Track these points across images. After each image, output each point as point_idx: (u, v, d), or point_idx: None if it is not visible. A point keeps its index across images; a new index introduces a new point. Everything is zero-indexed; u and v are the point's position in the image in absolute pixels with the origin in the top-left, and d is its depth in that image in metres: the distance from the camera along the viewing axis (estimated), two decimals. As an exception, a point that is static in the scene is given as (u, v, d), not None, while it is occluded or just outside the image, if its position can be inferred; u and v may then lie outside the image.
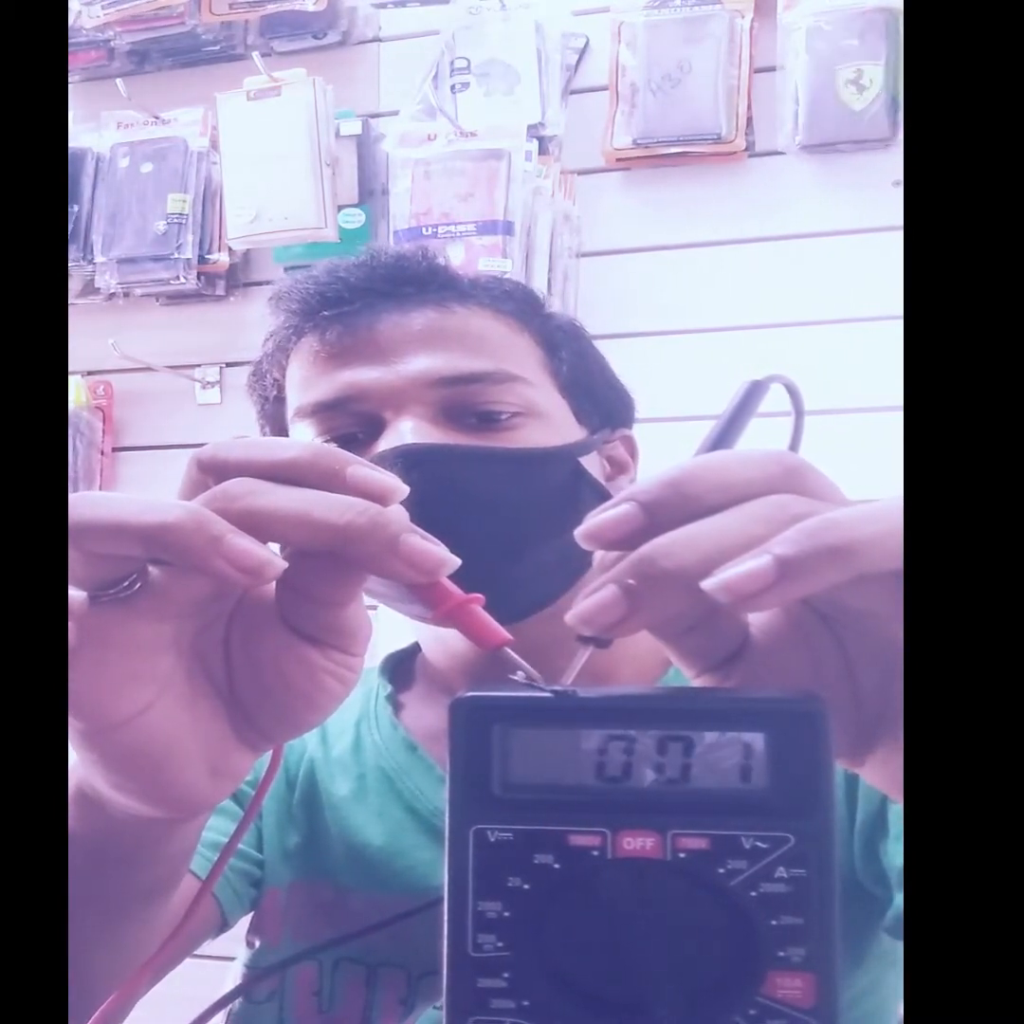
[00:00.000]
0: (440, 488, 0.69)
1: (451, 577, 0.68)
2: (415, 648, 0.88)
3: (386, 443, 0.72)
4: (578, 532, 0.39)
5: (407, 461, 0.69)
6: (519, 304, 0.80)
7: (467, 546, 0.70)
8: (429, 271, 0.79)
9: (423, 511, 0.68)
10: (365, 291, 0.77)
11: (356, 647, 0.45)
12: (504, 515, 0.72)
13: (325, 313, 0.76)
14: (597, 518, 0.39)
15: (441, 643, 0.81)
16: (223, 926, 0.82)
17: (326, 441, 0.74)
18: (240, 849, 0.80)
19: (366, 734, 0.84)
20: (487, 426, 0.74)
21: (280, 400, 0.81)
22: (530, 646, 0.75)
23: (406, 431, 0.71)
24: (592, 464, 0.78)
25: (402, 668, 0.89)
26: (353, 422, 0.74)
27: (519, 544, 0.73)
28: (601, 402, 0.82)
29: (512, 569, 0.73)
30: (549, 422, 0.76)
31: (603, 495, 0.76)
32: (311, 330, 0.77)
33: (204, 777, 0.43)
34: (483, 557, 0.70)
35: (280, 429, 0.81)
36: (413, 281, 0.78)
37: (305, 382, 0.76)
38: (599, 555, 0.40)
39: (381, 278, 0.78)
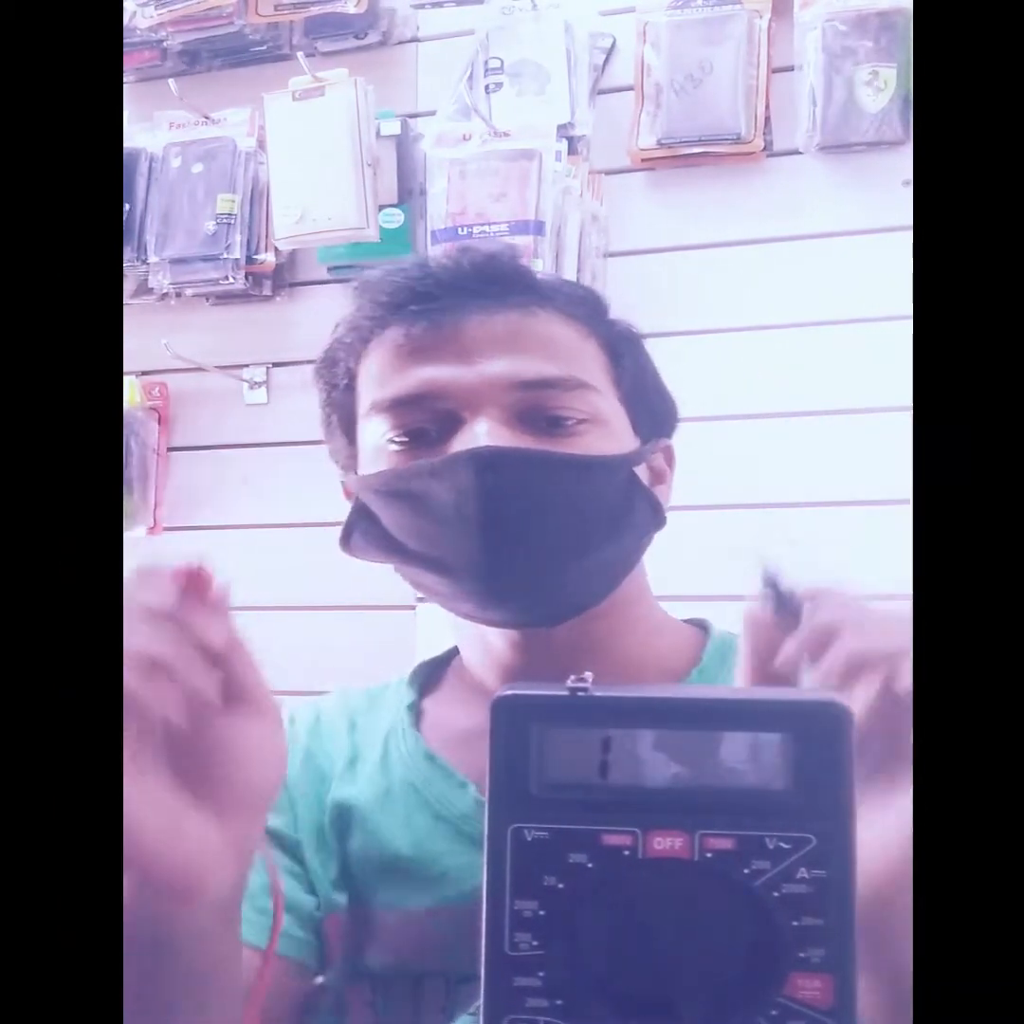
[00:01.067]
0: (510, 490, 0.70)
1: (517, 569, 0.71)
2: (449, 654, 0.87)
3: (460, 442, 0.71)
4: None
5: (481, 462, 0.69)
6: (588, 309, 0.79)
7: (530, 546, 0.71)
8: (515, 272, 0.78)
9: (493, 510, 0.69)
10: (454, 288, 0.75)
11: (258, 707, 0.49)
12: (566, 519, 0.72)
13: (413, 307, 0.75)
14: None
15: (481, 640, 0.80)
16: (309, 972, 0.79)
17: (398, 436, 0.74)
18: (291, 900, 0.78)
19: (393, 747, 0.82)
20: (555, 430, 0.73)
21: (350, 388, 0.79)
22: (572, 645, 0.75)
23: (482, 433, 0.70)
24: (640, 472, 0.77)
25: (433, 674, 0.87)
26: (429, 418, 0.73)
27: (577, 547, 0.73)
28: (653, 411, 0.81)
29: (568, 570, 0.73)
30: (611, 430, 0.75)
31: (653, 505, 0.76)
32: (397, 323, 0.75)
33: (186, 859, 0.45)
34: (544, 557, 0.72)
35: (347, 417, 0.80)
36: (500, 280, 0.76)
37: (382, 376, 0.75)
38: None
39: (469, 277, 0.76)
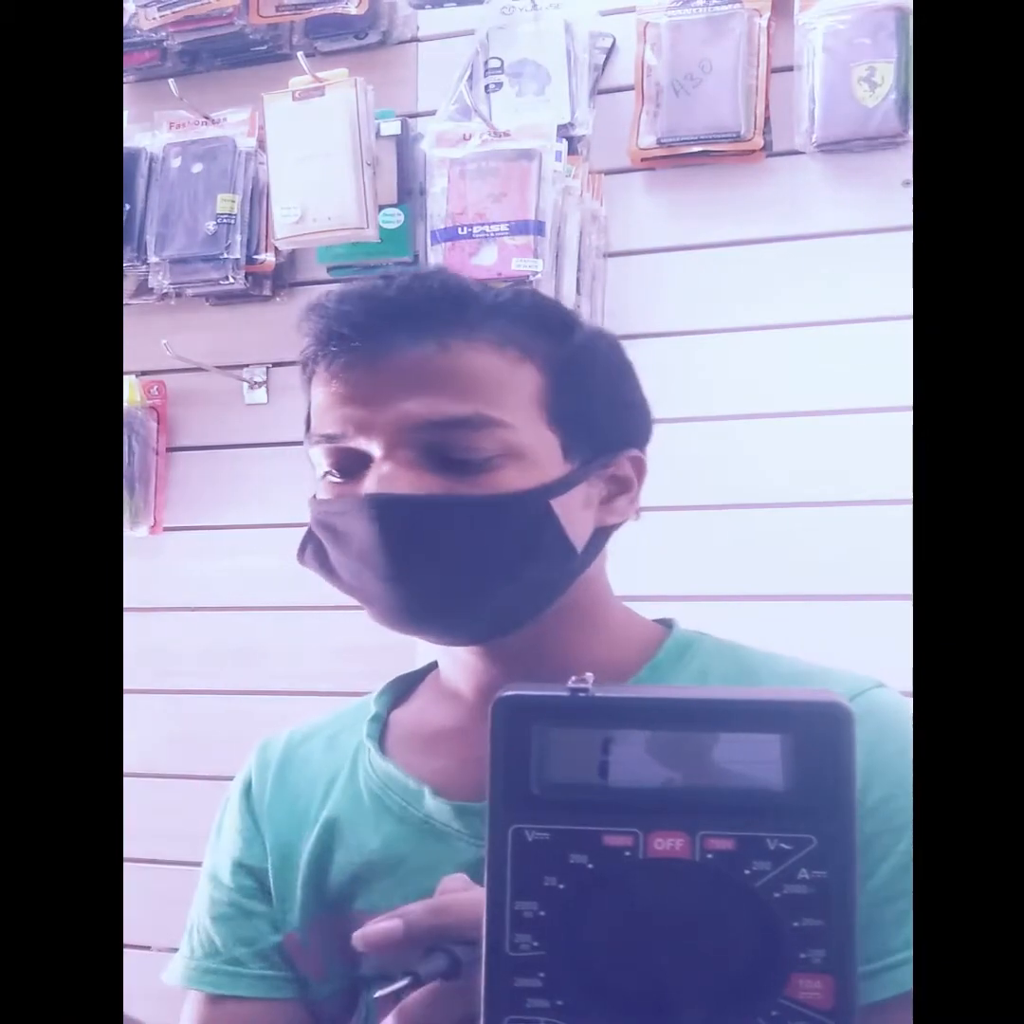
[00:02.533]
0: (402, 533, 0.72)
1: (413, 604, 0.75)
2: (427, 668, 0.90)
3: (368, 482, 0.74)
4: (355, 935, 0.50)
5: (372, 509, 0.72)
6: (534, 327, 0.78)
7: (428, 587, 0.74)
8: (442, 299, 0.77)
9: (388, 551, 0.72)
10: (367, 328, 0.76)
11: None
12: (465, 559, 0.74)
13: (333, 347, 0.76)
14: (370, 927, 0.49)
15: (449, 653, 0.83)
16: (293, 1003, 0.83)
17: (330, 469, 0.77)
18: (264, 946, 0.83)
19: (359, 759, 0.85)
20: (464, 469, 0.74)
21: (310, 415, 0.82)
22: (534, 649, 0.78)
23: (382, 475, 0.73)
24: (579, 492, 0.77)
25: (409, 687, 0.90)
26: (349, 456, 0.76)
27: (478, 585, 0.75)
28: (603, 428, 0.80)
29: (473, 602, 0.75)
30: (530, 462, 0.75)
31: (561, 540, 0.76)
32: (323, 359, 0.77)
33: None
34: (442, 596, 0.75)
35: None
36: (420, 309, 0.76)
37: (319, 410, 0.78)
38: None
39: (385, 313, 0.76)
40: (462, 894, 0.51)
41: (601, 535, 0.80)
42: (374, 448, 0.74)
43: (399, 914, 0.49)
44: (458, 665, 0.83)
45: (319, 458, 0.78)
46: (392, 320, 0.76)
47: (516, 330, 0.77)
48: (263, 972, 0.82)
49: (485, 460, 0.74)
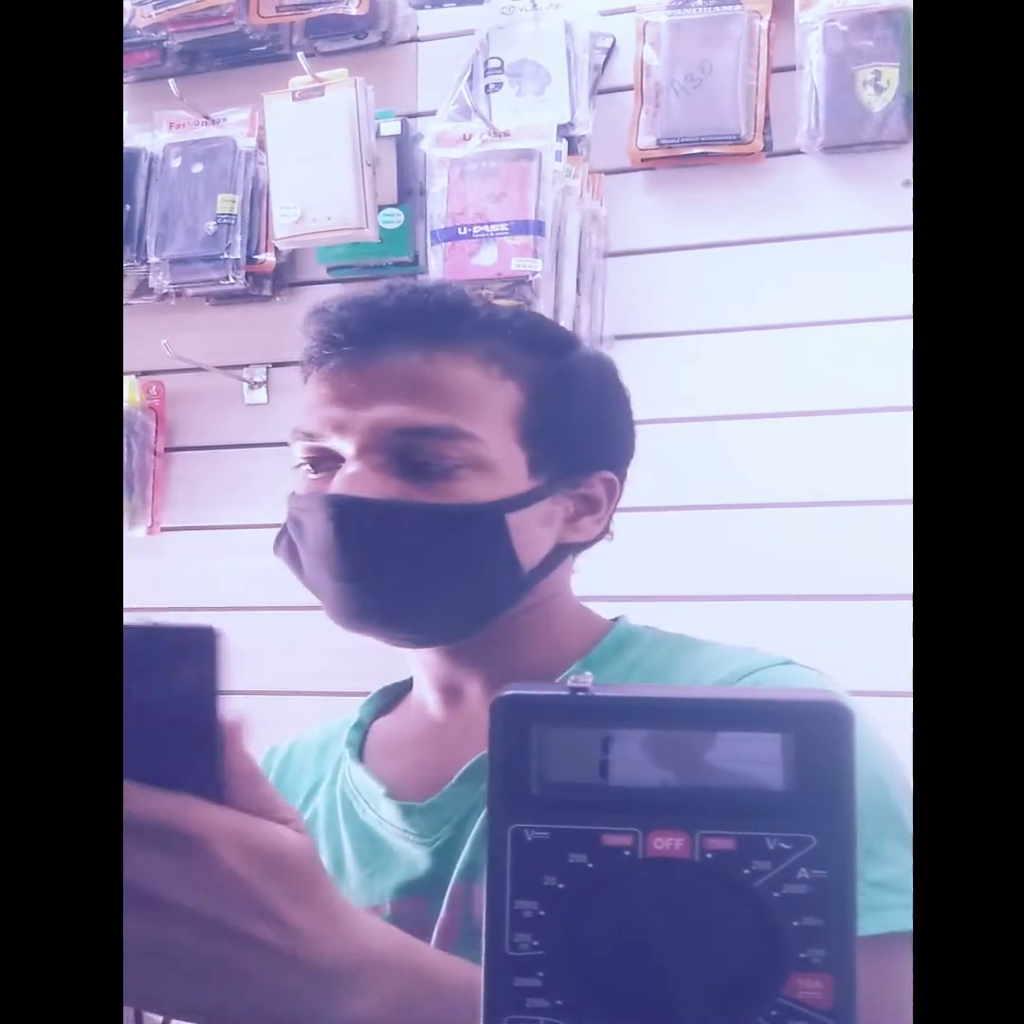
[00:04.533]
0: (359, 536, 0.76)
1: (361, 604, 0.78)
2: (411, 681, 0.92)
3: (334, 482, 0.77)
4: None
5: (332, 508, 0.76)
6: (524, 346, 0.81)
7: (376, 589, 0.77)
8: (436, 313, 0.80)
9: (341, 551, 0.75)
10: (361, 334, 0.79)
11: None
12: (415, 564, 0.76)
13: (326, 352, 0.80)
14: None
15: (419, 660, 0.86)
16: None
17: (305, 464, 0.80)
18: None
19: (340, 766, 0.88)
20: (428, 475, 0.77)
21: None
22: (490, 649, 0.81)
23: (347, 476, 0.76)
24: (540, 508, 0.80)
25: (392, 695, 0.93)
26: (324, 454, 0.79)
27: (424, 591, 0.78)
28: (576, 448, 0.83)
29: (417, 610, 0.79)
30: (493, 475, 0.78)
31: (509, 554, 0.78)
32: (320, 361, 0.81)
33: None
34: (390, 599, 0.78)
35: None
36: (413, 320, 0.79)
37: (306, 409, 0.81)
38: None
39: (379, 321, 0.80)
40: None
41: (561, 551, 0.83)
42: (347, 448, 0.78)
43: None
44: (419, 663, 0.86)
45: (297, 451, 0.81)
46: (385, 328, 0.79)
47: (505, 348, 0.80)
48: None
49: (450, 468, 0.77)
